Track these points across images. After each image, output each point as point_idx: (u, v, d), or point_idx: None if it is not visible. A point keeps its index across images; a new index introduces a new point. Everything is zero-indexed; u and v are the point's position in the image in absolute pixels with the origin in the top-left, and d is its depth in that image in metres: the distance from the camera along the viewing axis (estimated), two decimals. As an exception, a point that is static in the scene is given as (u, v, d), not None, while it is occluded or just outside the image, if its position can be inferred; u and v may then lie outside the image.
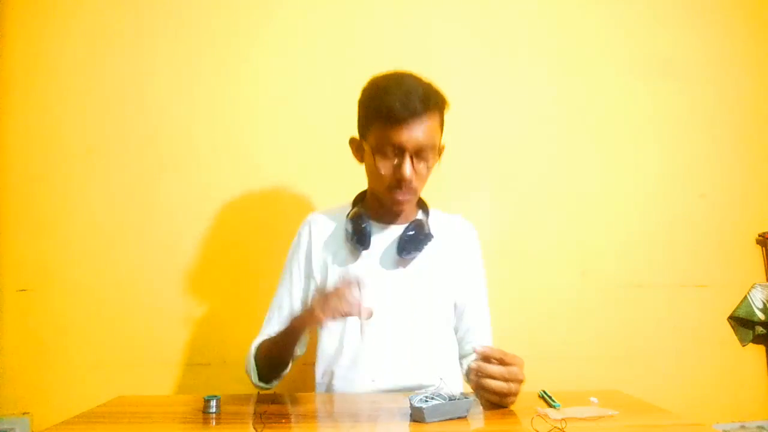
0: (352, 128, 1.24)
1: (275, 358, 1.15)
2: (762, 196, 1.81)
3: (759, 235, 1.79)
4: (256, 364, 1.17)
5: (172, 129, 1.66)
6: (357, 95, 1.21)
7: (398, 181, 1.11)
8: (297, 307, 1.24)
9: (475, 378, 0.95)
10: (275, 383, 1.19)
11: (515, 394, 0.95)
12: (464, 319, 1.28)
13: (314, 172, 1.67)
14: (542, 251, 1.73)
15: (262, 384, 1.17)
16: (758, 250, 1.79)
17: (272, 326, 1.24)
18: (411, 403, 0.87)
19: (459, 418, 0.87)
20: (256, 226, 1.66)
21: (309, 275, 1.25)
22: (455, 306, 1.27)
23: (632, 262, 1.75)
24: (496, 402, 0.96)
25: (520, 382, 0.95)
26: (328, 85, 1.70)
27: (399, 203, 1.17)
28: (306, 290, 1.25)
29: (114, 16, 1.67)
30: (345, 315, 0.94)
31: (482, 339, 1.28)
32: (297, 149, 1.68)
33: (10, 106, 1.63)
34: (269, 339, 1.18)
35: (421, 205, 1.29)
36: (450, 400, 0.88)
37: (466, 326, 1.28)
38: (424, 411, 0.84)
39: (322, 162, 1.68)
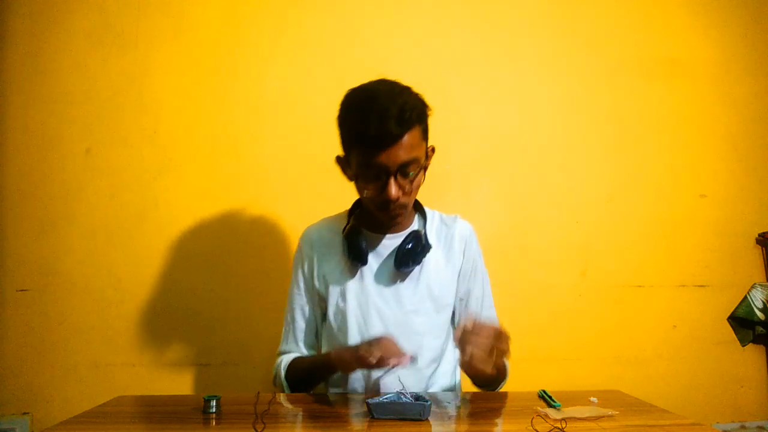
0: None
1: (307, 383, 1.20)
2: (762, 196, 1.82)
3: (759, 235, 1.79)
4: (288, 383, 1.21)
5: (172, 129, 1.66)
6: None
7: (385, 202, 1.10)
8: (310, 321, 1.26)
9: (461, 334, 0.94)
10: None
11: (501, 356, 0.93)
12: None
13: (316, 172, 1.67)
14: (542, 251, 1.73)
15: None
16: (758, 250, 1.79)
17: (290, 344, 1.26)
18: (367, 401, 0.91)
19: (414, 420, 0.88)
20: (257, 227, 1.66)
21: (314, 288, 1.25)
22: (455, 309, 1.26)
23: (632, 262, 1.76)
24: (478, 361, 0.92)
25: (505, 349, 0.93)
26: (329, 84, 1.70)
27: (391, 219, 1.17)
28: (314, 303, 1.25)
29: (114, 15, 1.67)
30: (388, 365, 0.98)
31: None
32: (298, 149, 1.68)
33: (10, 106, 1.63)
34: (302, 368, 1.20)
35: (418, 208, 1.27)
36: (405, 400, 0.91)
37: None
38: (371, 406, 0.89)
39: (323, 162, 1.67)
